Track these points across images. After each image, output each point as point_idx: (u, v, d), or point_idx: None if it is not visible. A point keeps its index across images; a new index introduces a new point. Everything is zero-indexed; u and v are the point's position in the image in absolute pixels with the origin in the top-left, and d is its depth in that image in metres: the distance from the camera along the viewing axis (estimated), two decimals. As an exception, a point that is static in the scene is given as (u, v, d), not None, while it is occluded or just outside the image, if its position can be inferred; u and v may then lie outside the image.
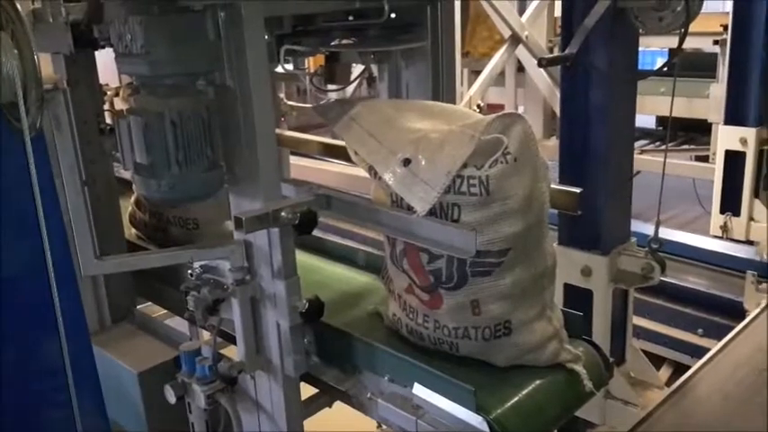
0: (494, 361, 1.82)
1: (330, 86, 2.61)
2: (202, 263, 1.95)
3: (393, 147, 1.78)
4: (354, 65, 2.50)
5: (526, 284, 1.76)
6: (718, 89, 4.88)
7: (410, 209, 1.72)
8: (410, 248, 1.81)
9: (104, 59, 2.23)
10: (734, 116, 4.48)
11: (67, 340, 1.56)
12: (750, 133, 4.36)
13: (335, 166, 4.90)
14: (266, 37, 1.82)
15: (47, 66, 2.19)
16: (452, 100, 2.34)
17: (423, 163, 1.71)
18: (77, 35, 2.06)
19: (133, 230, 2.76)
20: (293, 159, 3.84)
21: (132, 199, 2.77)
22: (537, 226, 1.75)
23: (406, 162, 1.73)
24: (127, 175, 2.04)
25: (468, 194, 1.67)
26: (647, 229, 2.99)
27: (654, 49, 6.06)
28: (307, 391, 2.08)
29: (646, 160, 5.08)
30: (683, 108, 5.29)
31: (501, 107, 6.22)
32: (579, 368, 1.82)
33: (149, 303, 2.85)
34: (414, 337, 1.92)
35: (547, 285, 1.84)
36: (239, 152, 1.85)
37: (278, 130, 3.31)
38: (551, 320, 1.84)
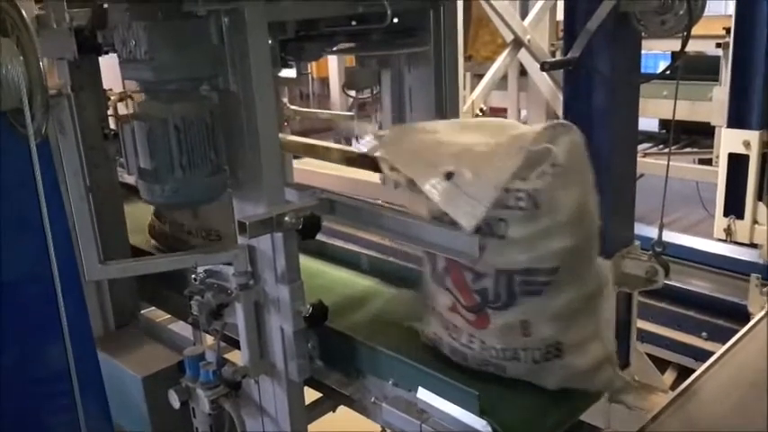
0: (543, 384, 1.76)
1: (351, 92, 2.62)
2: (206, 267, 1.96)
3: (433, 159, 1.70)
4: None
5: (578, 304, 1.69)
6: (721, 92, 4.87)
7: (453, 224, 1.64)
8: (453, 266, 1.74)
9: (108, 65, 2.25)
10: (737, 119, 4.47)
11: (72, 345, 1.56)
12: (753, 136, 4.35)
13: (339, 170, 4.89)
14: (269, 41, 1.83)
15: (51, 71, 2.20)
16: (455, 104, 2.34)
17: (467, 176, 1.63)
18: (81, 41, 2.07)
19: (153, 241, 2.74)
20: (296, 164, 3.84)
21: (152, 209, 2.75)
22: (587, 241, 1.68)
23: (449, 175, 1.65)
24: (131, 179, 2.05)
25: (515, 208, 1.60)
26: (651, 232, 2.97)
27: (657, 52, 6.06)
28: (310, 395, 2.08)
29: (649, 163, 5.07)
30: (686, 111, 5.28)
31: (503, 111, 6.22)
32: (630, 400, 1.78)
33: (153, 308, 2.85)
34: (456, 357, 1.84)
35: (600, 304, 1.77)
36: (243, 156, 1.85)
37: (281, 135, 3.31)
38: (604, 342, 1.77)
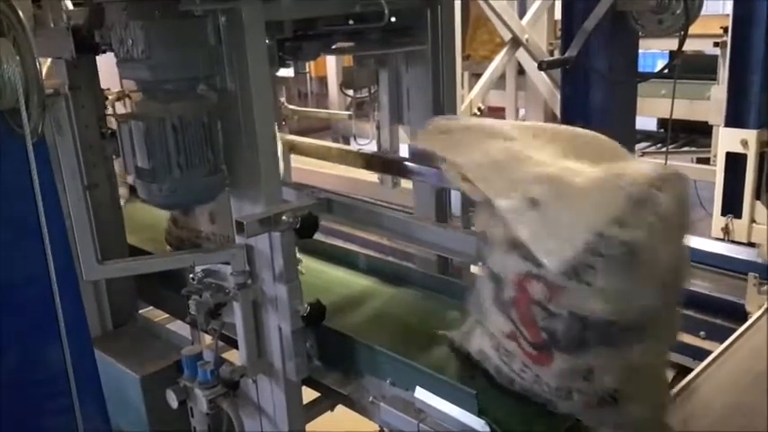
0: (589, 424, 1.67)
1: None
2: (204, 267, 1.96)
3: (513, 177, 1.53)
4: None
5: (651, 358, 1.57)
6: (719, 91, 4.87)
7: (530, 258, 1.50)
8: (522, 299, 1.57)
9: (106, 64, 2.25)
10: (735, 118, 4.47)
11: (69, 346, 1.56)
12: (751, 135, 4.35)
13: (337, 170, 4.89)
14: (267, 41, 1.83)
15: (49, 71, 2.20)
16: (453, 103, 2.34)
17: (555, 209, 1.46)
18: (79, 40, 2.07)
19: (168, 247, 2.72)
20: (295, 163, 3.84)
21: (169, 215, 2.72)
22: (675, 297, 1.56)
23: (533, 203, 1.48)
24: (129, 179, 2.04)
25: (607, 257, 1.42)
26: (649, 231, 2.98)
27: (655, 52, 6.06)
28: (308, 394, 2.08)
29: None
30: (685, 110, 5.28)
31: (502, 110, 6.22)
32: None
33: (152, 308, 2.85)
34: (501, 379, 1.73)
35: (668, 355, 1.67)
36: (240, 156, 1.85)
37: (280, 134, 3.31)
38: (662, 392, 1.68)
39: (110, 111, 2.70)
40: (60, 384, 1.59)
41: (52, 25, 2.14)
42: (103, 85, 2.43)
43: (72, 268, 1.70)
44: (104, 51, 2.20)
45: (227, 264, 1.92)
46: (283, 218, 1.77)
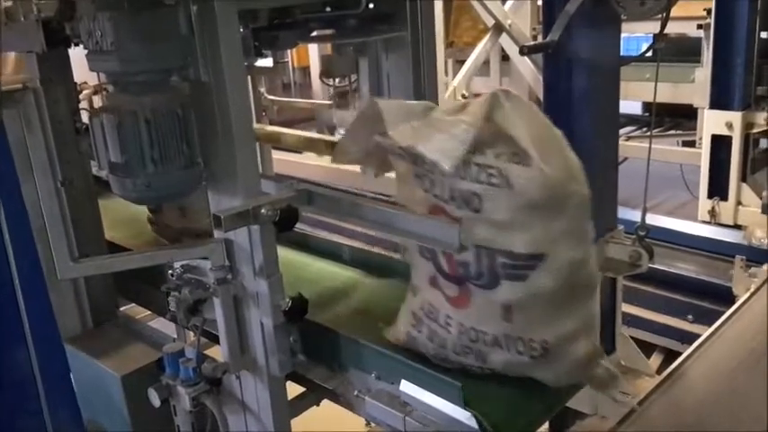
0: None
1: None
2: (183, 263, 1.92)
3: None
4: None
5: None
6: (703, 73, 4.87)
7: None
8: None
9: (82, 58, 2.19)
10: (719, 100, 4.48)
11: (38, 347, 1.52)
12: (736, 117, 4.36)
13: (320, 160, 4.85)
14: (241, 30, 1.78)
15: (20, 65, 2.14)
16: (434, 89, 2.31)
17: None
18: (50, 33, 2.02)
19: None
20: (282, 155, 3.80)
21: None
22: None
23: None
24: (104, 174, 2.00)
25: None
26: (635, 215, 2.97)
27: (639, 35, 6.05)
28: (293, 389, 2.05)
29: (633, 146, 5.07)
30: (669, 93, 5.28)
31: (486, 97, 6.17)
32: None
33: (133, 305, 2.80)
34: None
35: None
36: (216, 148, 1.81)
37: (259, 125, 3.27)
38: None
39: (87, 105, 2.65)
40: (29, 387, 1.55)
41: (22, 18, 2.09)
42: (81, 78, 2.38)
43: (38, 267, 1.66)
44: (76, 44, 2.14)
45: (207, 259, 1.88)
46: (262, 211, 1.73)
